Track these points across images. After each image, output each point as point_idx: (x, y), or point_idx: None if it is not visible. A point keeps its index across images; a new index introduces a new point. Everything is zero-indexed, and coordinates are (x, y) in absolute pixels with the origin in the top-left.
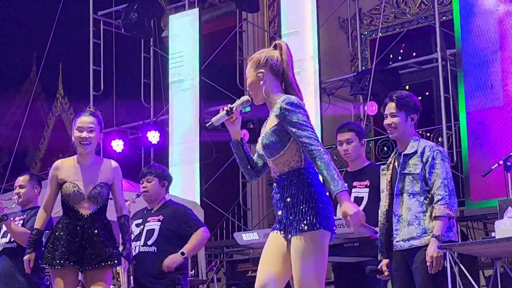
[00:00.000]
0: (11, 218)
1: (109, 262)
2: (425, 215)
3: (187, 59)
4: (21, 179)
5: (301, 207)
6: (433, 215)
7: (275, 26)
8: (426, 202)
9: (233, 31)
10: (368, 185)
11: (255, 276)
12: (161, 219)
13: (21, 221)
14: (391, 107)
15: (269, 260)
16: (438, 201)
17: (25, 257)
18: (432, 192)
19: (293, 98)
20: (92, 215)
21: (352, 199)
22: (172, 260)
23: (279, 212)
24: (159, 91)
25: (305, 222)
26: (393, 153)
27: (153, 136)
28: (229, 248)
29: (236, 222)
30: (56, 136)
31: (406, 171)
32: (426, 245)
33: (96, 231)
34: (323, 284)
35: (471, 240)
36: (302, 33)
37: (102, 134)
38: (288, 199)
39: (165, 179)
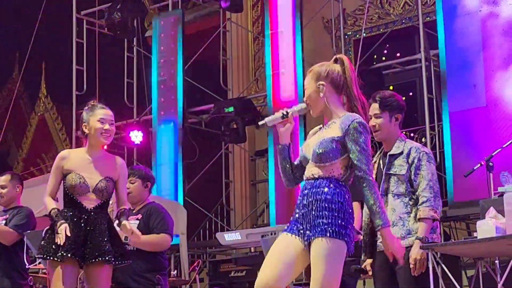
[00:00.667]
0: None
1: (106, 258)
2: (410, 216)
3: (170, 59)
4: (3, 179)
5: (335, 214)
6: (418, 217)
7: (259, 26)
8: (410, 203)
9: (216, 31)
10: None
11: (238, 277)
12: (139, 218)
13: (4, 221)
14: (374, 108)
15: (278, 260)
16: (423, 202)
17: (61, 227)
18: (417, 193)
19: (363, 121)
20: (96, 209)
21: None
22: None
23: (301, 212)
24: (142, 91)
25: (334, 228)
26: (378, 152)
27: (136, 136)
28: (212, 248)
29: (219, 222)
30: (39, 135)
31: (391, 172)
32: (411, 246)
33: (98, 226)
34: None
35: (453, 240)
36: (286, 33)
37: None
38: (322, 202)
39: (148, 180)
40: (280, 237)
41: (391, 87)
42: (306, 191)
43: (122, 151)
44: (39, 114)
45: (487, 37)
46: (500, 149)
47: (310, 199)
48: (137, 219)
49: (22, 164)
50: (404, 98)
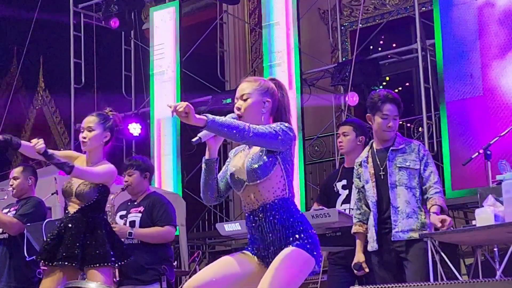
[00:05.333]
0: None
1: (66, 263)
2: (421, 210)
3: (168, 51)
4: (16, 171)
5: (297, 228)
6: (433, 203)
7: (255, 18)
8: (421, 197)
9: (213, 23)
10: None
11: None
12: (141, 210)
13: (14, 211)
14: (394, 109)
15: (222, 268)
16: (436, 193)
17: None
18: (428, 184)
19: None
20: (76, 213)
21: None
22: (119, 229)
23: (259, 237)
24: (140, 84)
25: (298, 239)
26: (368, 147)
27: (135, 129)
28: (211, 239)
29: (218, 213)
30: (37, 129)
31: (404, 165)
32: (424, 238)
33: (72, 230)
34: None
35: (452, 228)
36: (283, 25)
37: (108, 132)
38: (278, 225)
39: (147, 171)
40: (237, 254)
41: (387, 78)
42: (257, 220)
43: (121, 143)
44: (37, 107)
45: (483, 26)
46: (497, 138)
47: (261, 225)
48: (140, 211)
49: (21, 157)
50: (400, 88)
